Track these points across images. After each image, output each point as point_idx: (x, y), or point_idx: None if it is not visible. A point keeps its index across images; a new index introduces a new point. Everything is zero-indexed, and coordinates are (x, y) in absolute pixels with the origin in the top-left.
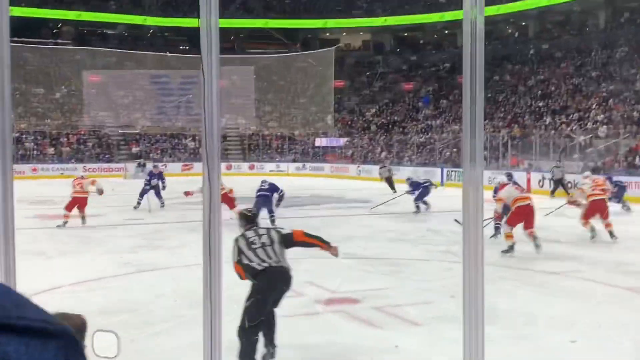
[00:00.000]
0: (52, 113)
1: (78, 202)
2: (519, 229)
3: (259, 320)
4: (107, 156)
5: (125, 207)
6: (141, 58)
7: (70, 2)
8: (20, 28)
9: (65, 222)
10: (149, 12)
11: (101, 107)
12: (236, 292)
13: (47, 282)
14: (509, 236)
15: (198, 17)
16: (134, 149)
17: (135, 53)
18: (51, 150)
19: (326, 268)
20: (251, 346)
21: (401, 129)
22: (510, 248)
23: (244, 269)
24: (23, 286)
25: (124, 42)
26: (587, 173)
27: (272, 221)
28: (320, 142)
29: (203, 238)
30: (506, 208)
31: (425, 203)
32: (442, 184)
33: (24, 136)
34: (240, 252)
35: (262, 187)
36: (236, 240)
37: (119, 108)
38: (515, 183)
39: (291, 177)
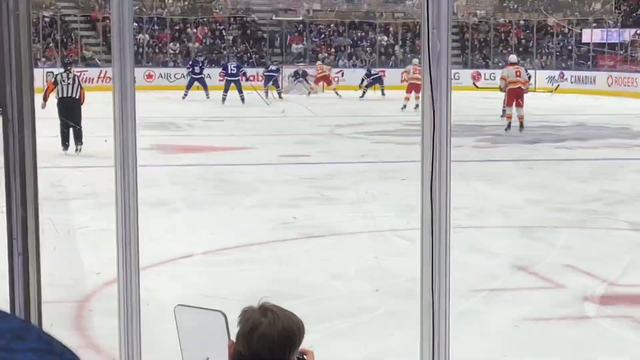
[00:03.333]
0: None
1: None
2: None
3: None
4: (254, 56)
5: (282, 138)
6: None
7: None
8: None
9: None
10: None
11: None
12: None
13: (172, 248)
14: (507, 117)
15: None
16: (295, 46)
17: None
18: (174, 46)
19: (598, 245)
20: None
21: None
22: (508, 126)
23: None
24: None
25: None
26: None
27: None
28: (590, 36)
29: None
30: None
31: None
32: None
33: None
34: None
35: None
36: None
37: None
38: (520, 66)
39: (539, 94)
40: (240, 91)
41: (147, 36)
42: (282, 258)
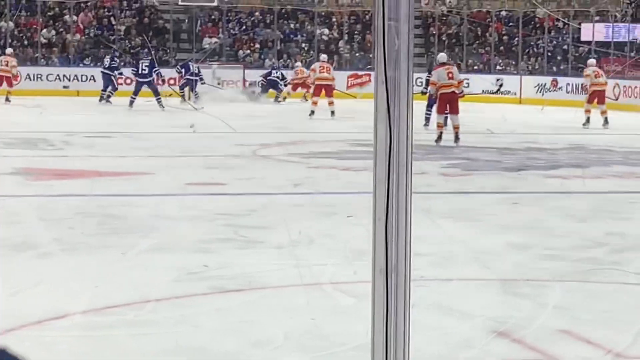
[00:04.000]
0: None
1: None
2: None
3: None
4: (154, 52)
5: (191, 161)
6: None
7: None
8: None
9: None
10: None
11: None
12: None
13: (41, 305)
14: (438, 125)
15: None
16: (208, 40)
17: None
18: (47, 34)
19: (600, 304)
20: None
21: None
22: (439, 137)
23: None
24: None
25: None
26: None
27: None
28: (591, 32)
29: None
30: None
31: None
32: None
33: None
34: None
35: None
36: None
37: None
38: (452, 65)
39: (526, 107)
40: (156, 94)
41: (11, 24)
42: (188, 319)
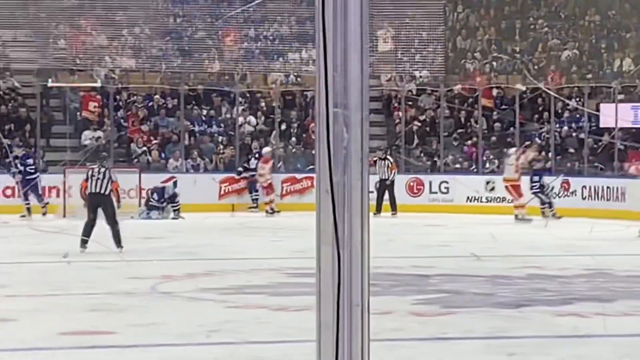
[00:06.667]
0: None
1: None
2: None
3: None
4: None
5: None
6: None
7: None
8: None
9: None
10: None
11: None
12: None
13: None
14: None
15: None
16: (89, 134)
17: None
18: None
19: None
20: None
21: None
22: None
23: None
24: None
25: None
26: None
27: None
28: (614, 115)
29: None
30: None
31: None
32: None
33: None
34: None
35: None
36: None
37: None
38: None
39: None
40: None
41: None
42: None
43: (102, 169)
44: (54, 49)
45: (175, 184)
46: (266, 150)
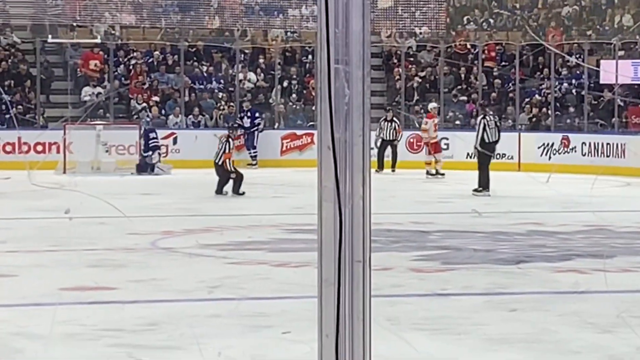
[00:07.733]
0: None
1: None
2: None
3: None
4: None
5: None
6: None
7: None
8: None
9: None
10: None
11: None
12: None
13: None
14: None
15: None
16: (89, 90)
17: None
18: None
19: None
20: None
21: None
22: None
23: None
24: None
25: None
26: None
27: None
28: (614, 71)
29: None
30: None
31: None
32: None
33: None
34: None
35: None
36: None
37: None
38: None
39: (523, 175)
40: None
41: None
42: None
43: (223, 139)
44: (54, 5)
45: (175, 140)
46: (432, 105)
